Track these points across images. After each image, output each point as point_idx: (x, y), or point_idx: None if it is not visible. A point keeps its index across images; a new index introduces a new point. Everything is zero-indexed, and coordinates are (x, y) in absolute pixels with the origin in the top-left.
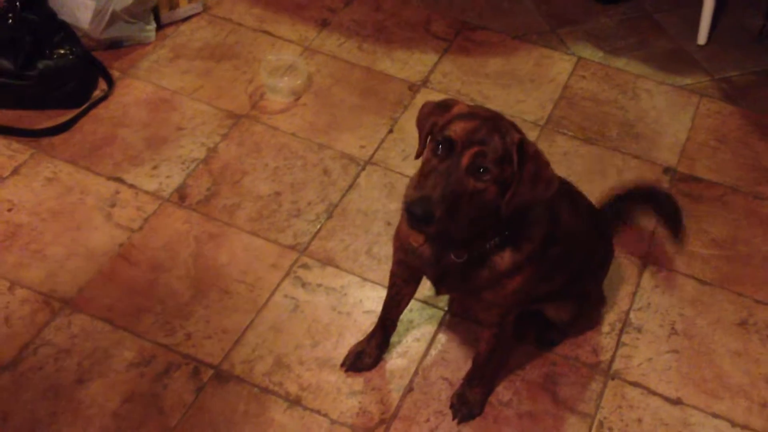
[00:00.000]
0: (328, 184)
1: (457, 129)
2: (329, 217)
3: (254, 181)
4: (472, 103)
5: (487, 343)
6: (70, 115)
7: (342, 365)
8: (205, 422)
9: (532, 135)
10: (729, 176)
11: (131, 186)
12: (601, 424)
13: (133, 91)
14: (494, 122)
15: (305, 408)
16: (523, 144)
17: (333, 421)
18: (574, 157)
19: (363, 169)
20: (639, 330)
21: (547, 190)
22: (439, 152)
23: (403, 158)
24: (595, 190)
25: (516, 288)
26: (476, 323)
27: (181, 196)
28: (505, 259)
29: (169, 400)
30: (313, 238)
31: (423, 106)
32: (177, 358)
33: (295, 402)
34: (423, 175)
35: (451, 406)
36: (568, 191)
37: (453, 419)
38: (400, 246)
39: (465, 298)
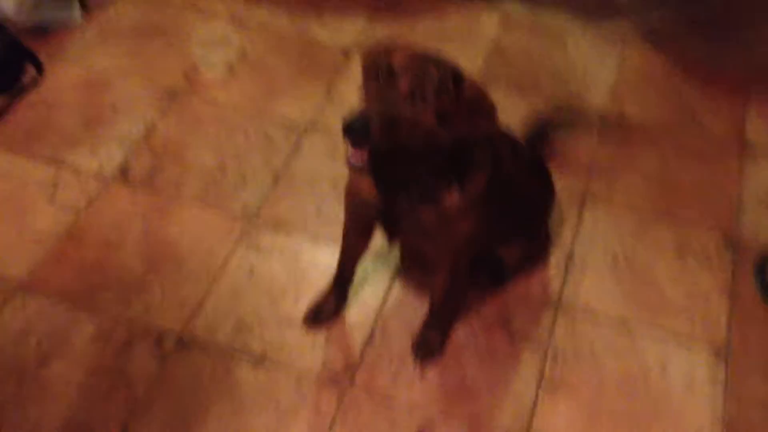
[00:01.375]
0: (272, 151)
1: (397, 58)
2: (276, 182)
3: (197, 154)
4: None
5: (441, 288)
6: (0, 103)
7: (303, 321)
8: (173, 389)
9: None
10: (657, 114)
11: (72, 168)
12: (554, 351)
13: (65, 74)
14: (434, 57)
15: (271, 364)
16: (460, 75)
17: (299, 373)
18: (510, 109)
19: (305, 133)
20: (583, 262)
21: (487, 121)
22: (379, 80)
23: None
24: None
25: (465, 231)
26: (429, 273)
27: (124, 174)
28: (452, 199)
29: (134, 371)
30: (261, 204)
31: (367, 49)
32: (138, 330)
33: (260, 360)
34: (362, 101)
35: (413, 350)
36: (508, 138)
37: (415, 362)
38: (351, 196)
39: (417, 246)
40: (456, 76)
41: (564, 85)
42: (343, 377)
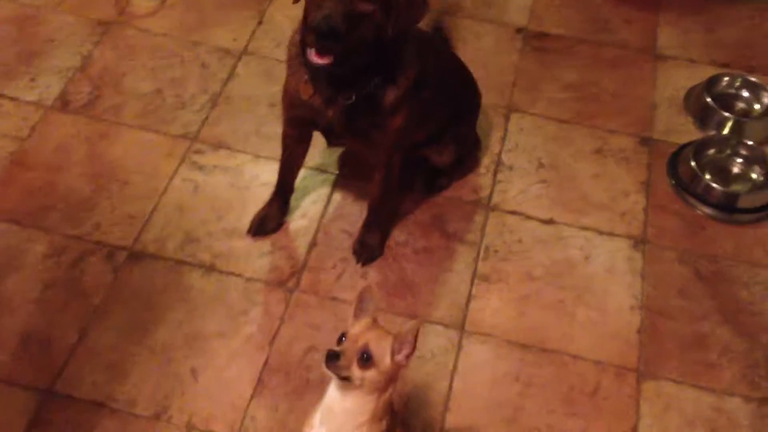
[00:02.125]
0: (208, 76)
1: None
2: (214, 105)
3: (134, 81)
4: None
5: (378, 186)
6: None
7: (248, 231)
8: (128, 296)
9: None
10: (574, 29)
11: (12, 98)
12: (487, 248)
13: None
14: None
15: (220, 272)
16: None
17: (248, 279)
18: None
19: (239, 59)
20: (511, 168)
21: (420, 10)
22: None
23: (276, 45)
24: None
25: (399, 125)
26: (366, 177)
27: (63, 102)
28: (387, 95)
29: (88, 283)
30: (201, 126)
31: None
32: (89, 245)
33: (209, 269)
34: (316, 3)
35: (354, 252)
36: (431, 41)
37: (357, 263)
38: (290, 102)
39: (354, 145)
40: None
41: (486, 5)
42: (290, 280)
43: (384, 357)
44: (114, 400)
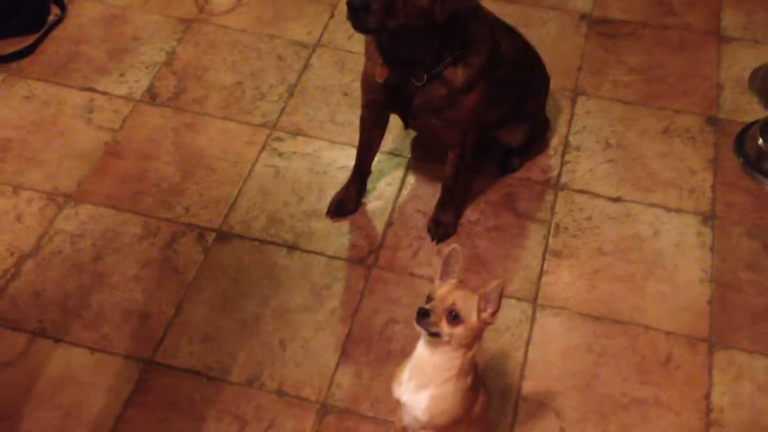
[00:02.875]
0: (284, 68)
1: None
2: (291, 95)
3: (216, 75)
4: None
5: (452, 165)
6: (30, 40)
7: (327, 213)
8: (218, 274)
9: None
10: (638, 13)
11: (104, 93)
12: (557, 226)
13: (85, 11)
14: None
15: (303, 251)
16: None
17: (330, 257)
18: (501, 16)
19: (313, 51)
20: (578, 149)
21: None
22: None
23: (348, 37)
24: None
25: (472, 105)
26: (438, 163)
27: (151, 95)
28: (458, 74)
29: (181, 261)
30: (280, 115)
31: None
32: (180, 227)
33: (293, 247)
34: None
35: (429, 231)
36: (504, 25)
37: (431, 241)
38: (368, 86)
39: (429, 126)
40: None
41: None
42: (368, 257)
43: (471, 314)
44: (210, 368)
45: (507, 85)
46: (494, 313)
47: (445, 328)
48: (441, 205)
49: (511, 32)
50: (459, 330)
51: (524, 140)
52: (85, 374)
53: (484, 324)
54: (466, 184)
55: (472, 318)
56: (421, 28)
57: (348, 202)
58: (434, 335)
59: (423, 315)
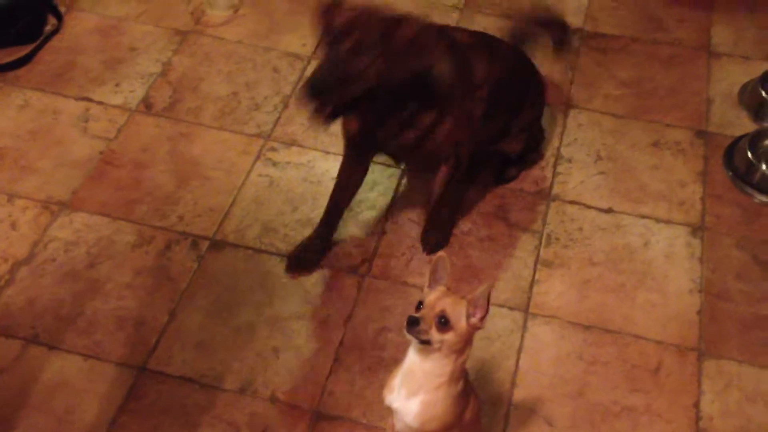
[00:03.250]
0: (279, 79)
1: (341, 17)
2: (285, 106)
3: (211, 85)
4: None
5: (444, 180)
6: (27, 49)
7: (286, 269)
8: (212, 281)
9: (452, 18)
10: (629, 29)
11: (99, 103)
12: (548, 236)
13: (82, 22)
14: (373, 11)
15: None
16: (399, 21)
17: (322, 266)
18: (494, 32)
19: (308, 63)
20: (570, 161)
21: (421, 57)
22: (329, 42)
23: None
24: None
25: (447, 131)
26: (431, 173)
27: (147, 105)
28: (444, 128)
29: (175, 269)
30: (274, 126)
31: (319, 7)
32: (174, 236)
33: (287, 256)
34: (320, 59)
35: (421, 241)
36: (482, 43)
37: (423, 251)
38: (345, 132)
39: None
40: (396, 23)
41: (542, 8)
42: (361, 266)
43: (460, 320)
44: (203, 376)
45: (497, 100)
46: (483, 318)
47: (435, 335)
48: (432, 217)
49: (493, 49)
50: (449, 336)
51: (522, 147)
52: (78, 381)
53: (473, 329)
54: (459, 194)
55: (462, 324)
56: (379, 95)
57: (310, 255)
58: (425, 342)
59: (413, 323)
